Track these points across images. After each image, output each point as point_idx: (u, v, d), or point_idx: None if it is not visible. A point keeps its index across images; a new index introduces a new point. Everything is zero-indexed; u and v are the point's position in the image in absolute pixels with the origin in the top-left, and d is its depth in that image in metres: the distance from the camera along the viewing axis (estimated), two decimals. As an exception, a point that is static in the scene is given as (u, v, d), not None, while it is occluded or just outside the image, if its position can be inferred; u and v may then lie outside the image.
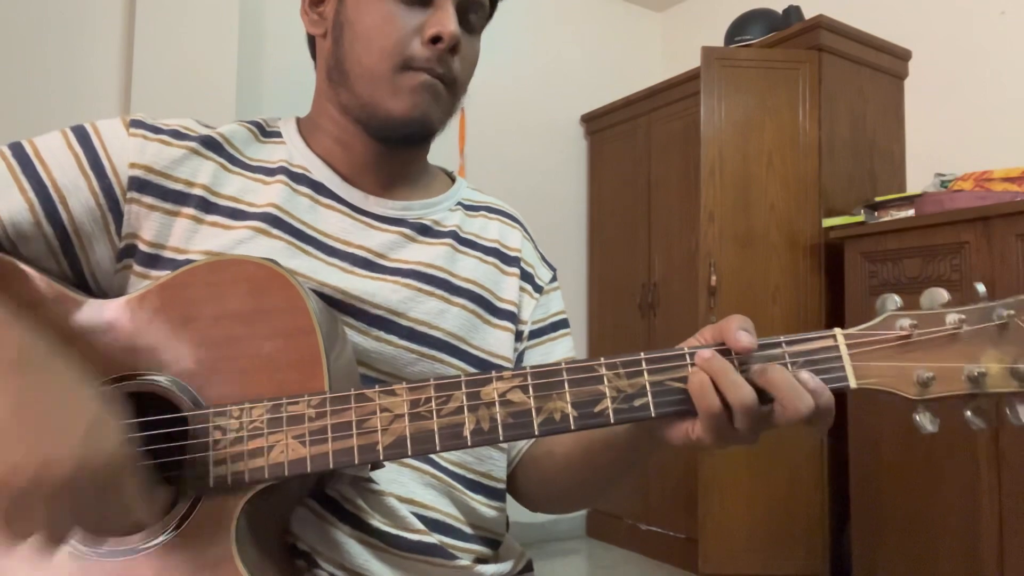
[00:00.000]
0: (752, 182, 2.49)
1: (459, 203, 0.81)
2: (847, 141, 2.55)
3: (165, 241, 0.66)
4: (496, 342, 0.75)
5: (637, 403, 0.56)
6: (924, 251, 2.07)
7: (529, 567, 0.78)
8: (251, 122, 0.77)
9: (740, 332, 0.55)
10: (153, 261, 0.66)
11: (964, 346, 0.55)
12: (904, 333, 0.55)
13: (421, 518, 0.67)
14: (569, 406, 0.55)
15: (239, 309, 0.59)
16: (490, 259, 0.79)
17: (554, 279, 0.86)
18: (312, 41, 0.78)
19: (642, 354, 0.56)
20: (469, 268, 0.76)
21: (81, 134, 0.67)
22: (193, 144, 0.70)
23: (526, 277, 0.81)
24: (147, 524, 0.55)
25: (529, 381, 0.56)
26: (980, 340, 0.54)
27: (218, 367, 0.58)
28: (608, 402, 0.55)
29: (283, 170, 0.73)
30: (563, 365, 0.57)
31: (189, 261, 0.64)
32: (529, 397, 0.56)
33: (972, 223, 1.97)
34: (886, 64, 2.65)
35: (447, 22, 0.68)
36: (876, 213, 2.32)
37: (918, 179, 2.63)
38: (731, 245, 2.47)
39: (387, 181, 0.77)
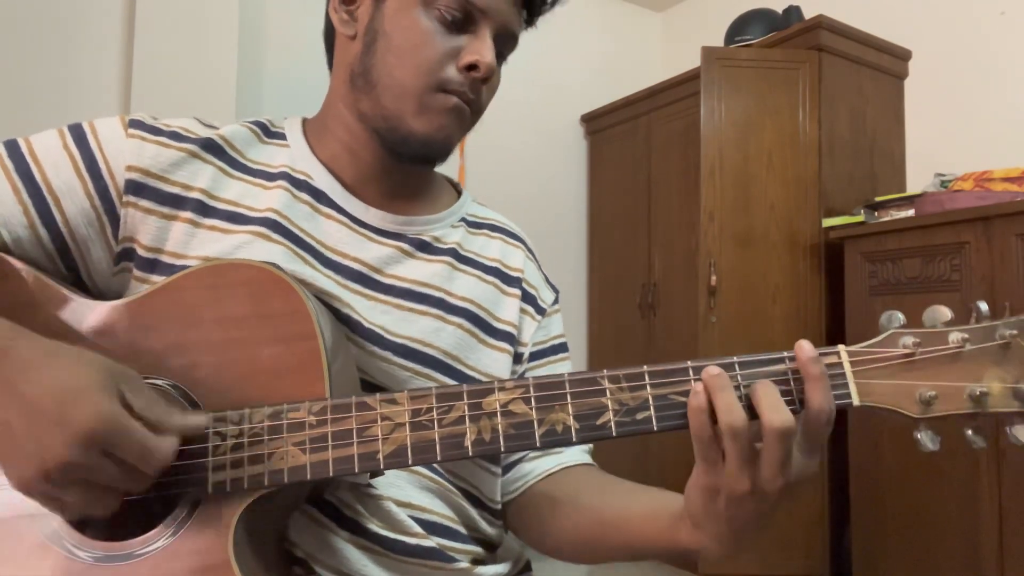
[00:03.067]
0: (752, 182, 2.49)
1: (462, 219, 0.80)
2: (847, 141, 2.55)
3: (163, 245, 0.66)
4: (491, 362, 0.74)
5: (639, 416, 0.55)
6: (924, 251, 2.07)
7: (528, 567, 0.78)
8: (255, 122, 0.75)
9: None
10: (152, 265, 0.65)
11: (966, 365, 0.55)
12: (907, 351, 0.55)
13: (419, 521, 0.67)
14: (571, 418, 0.55)
15: (240, 313, 0.59)
16: (490, 278, 0.78)
17: (556, 301, 0.84)
18: (330, 40, 0.77)
19: (645, 367, 0.56)
20: (467, 287, 0.75)
21: (78, 134, 0.65)
22: (192, 147, 0.68)
23: (528, 299, 0.80)
24: (171, 453, 0.52)
25: (531, 392, 0.56)
26: (982, 359, 0.54)
27: (218, 371, 0.58)
28: (610, 415, 0.55)
29: (284, 175, 0.72)
30: (565, 377, 0.56)
31: (187, 267, 0.63)
32: (531, 408, 0.56)
33: (972, 223, 1.97)
34: (886, 64, 2.65)
35: (485, 52, 0.68)
36: (876, 213, 2.32)
37: (918, 179, 2.63)
38: (731, 245, 2.47)
39: (391, 193, 0.75)
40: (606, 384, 0.56)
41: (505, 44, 0.73)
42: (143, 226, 0.65)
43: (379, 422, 0.55)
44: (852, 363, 0.55)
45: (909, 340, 0.55)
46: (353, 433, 0.55)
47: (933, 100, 2.63)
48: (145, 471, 0.51)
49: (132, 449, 0.50)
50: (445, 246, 0.76)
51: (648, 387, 0.56)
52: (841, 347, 0.56)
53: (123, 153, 0.65)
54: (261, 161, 0.73)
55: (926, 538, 2.02)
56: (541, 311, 0.81)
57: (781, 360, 0.55)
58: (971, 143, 2.48)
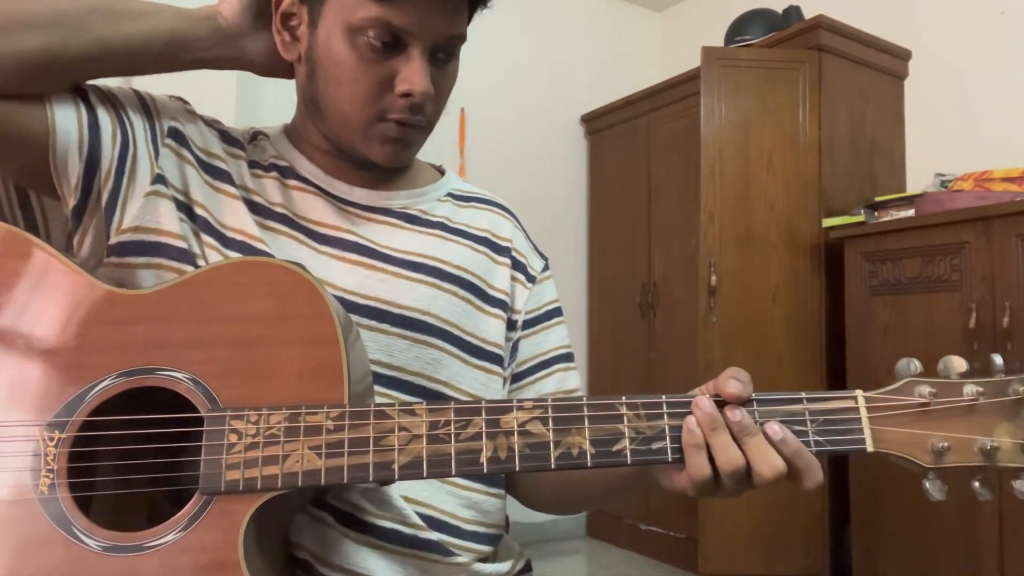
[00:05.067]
0: (752, 182, 2.49)
1: (449, 194, 0.82)
2: (847, 141, 2.55)
3: (189, 191, 0.70)
4: (488, 328, 0.76)
5: (655, 446, 0.56)
6: (924, 251, 2.08)
7: (528, 567, 0.78)
8: (241, 132, 0.79)
9: (731, 380, 0.56)
10: (187, 209, 0.69)
11: (980, 418, 0.56)
12: (923, 401, 0.56)
13: (419, 515, 0.67)
14: (587, 442, 0.56)
15: (263, 312, 0.59)
16: (481, 248, 0.79)
17: (546, 268, 0.86)
18: None
19: (664, 397, 0.57)
20: (461, 256, 0.77)
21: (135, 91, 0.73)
22: (216, 132, 0.76)
23: (518, 267, 0.82)
24: None
25: (549, 413, 0.56)
26: (995, 413, 0.56)
27: (237, 368, 0.58)
28: (627, 442, 0.56)
29: (273, 166, 0.75)
30: (584, 400, 0.57)
31: (208, 224, 0.69)
32: (548, 429, 0.56)
33: (972, 223, 1.97)
34: (886, 64, 2.66)
35: (416, 79, 0.68)
36: (876, 213, 2.32)
37: (918, 179, 2.63)
38: (731, 245, 2.47)
39: (373, 179, 0.78)
40: (624, 411, 0.56)
41: (449, 47, 0.71)
42: (177, 172, 0.70)
43: (396, 432, 0.55)
44: (868, 408, 0.57)
45: (925, 390, 0.56)
46: (370, 441, 0.55)
47: (933, 100, 2.63)
48: None
49: None
50: (434, 219, 0.78)
51: (666, 416, 0.56)
52: (859, 392, 0.57)
53: (168, 109, 0.73)
54: (254, 159, 0.76)
55: (926, 538, 2.02)
56: (532, 279, 0.83)
57: (799, 400, 0.57)
58: (971, 143, 2.49)
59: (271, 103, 2.67)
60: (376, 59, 0.68)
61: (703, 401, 0.55)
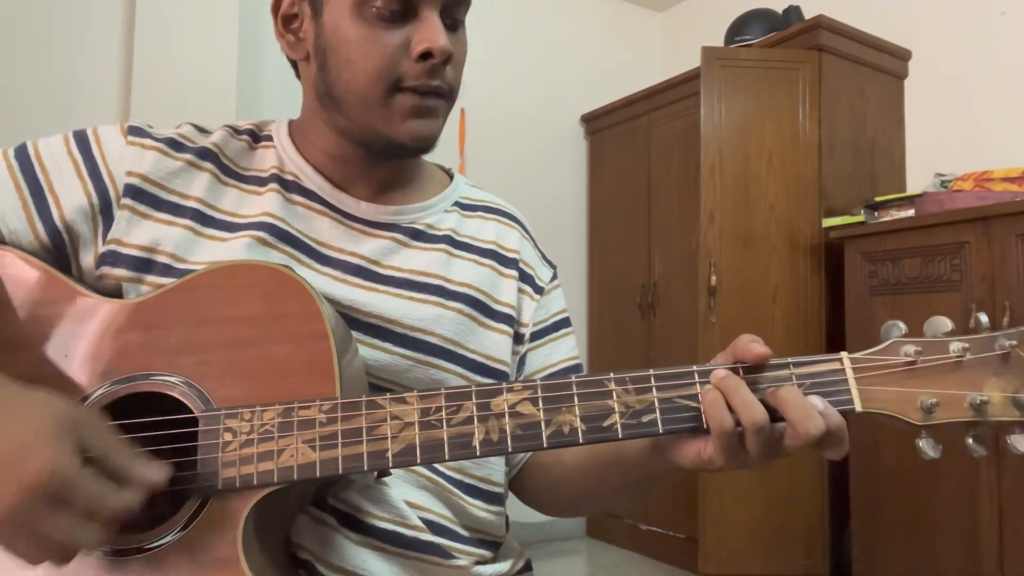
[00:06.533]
0: (752, 182, 2.49)
1: (456, 203, 0.80)
2: (847, 141, 2.55)
3: (157, 246, 0.67)
4: (492, 345, 0.75)
5: (645, 419, 0.56)
6: (924, 251, 2.08)
7: (528, 567, 0.78)
8: (244, 131, 0.76)
9: (751, 343, 0.56)
10: (148, 266, 0.66)
11: (967, 374, 0.56)
12: (909, 359, 0.56)
13: (420, 519, 0.67)
14: (578, 420, 0.56)
15: (253, 313, 0.60)
16: (487, 261, 0.78)
17: (554, 278, 0.85)
18: (293, 61, 0.76)
19: (651, 371, 0.57)
20: (465, 272, 0.75)
21: (81, 140, 0.69)
22: (189, 156, 0.71)
23: (525, 279, 0.80)
24: (123, 505, 0.51)
25: (539, 394, 0.57)
26: (983, 369, 0.56)
27: (230, 369, 0.59)
28: (617, 417, 0.56)
29: (275, 177, 0.73)
30: (573, 379, 0.57)
31: (189, 270, 0.64)
32: (539, 409, 0.56)
33: (972, 223, 1.97)
34: (886, 64, 2.66)
35: (435, 36, 0.66)
36: (876, 213, 2.32)
37: (918, 179, 2.63)
38: (731, 245, 2.47)
39: (380, 186, 0.76)
40: (612, 386, 0.57)
41: (457, 9, 0.70)
42: (137, 228, 0.67)
43: (388, 421, 0.56)
44: (855, 370, 0.56)
45: (911, 348, 0.56)
46: (363, 431, 0.56)
47: (933, 100, 2.63)
48: (95, 522, 0.49)
49: (80, 502, 0.48)
50: (440, 233, 0.76)
51: (654, 390, 0.57)
52: (843, 354, 0.57)
53: (124, 159, 0.69)
54: (253, 167, 0.74)
55: (926, 538, 2.02)
56: (539, 290, 0.81)
57: (785, 366, 0.57)
58: (971, 143, 2.49)
59: (271, 103, 2.67)
60: (387, 28, 0.66)
61: (719, 373, 0.55)
